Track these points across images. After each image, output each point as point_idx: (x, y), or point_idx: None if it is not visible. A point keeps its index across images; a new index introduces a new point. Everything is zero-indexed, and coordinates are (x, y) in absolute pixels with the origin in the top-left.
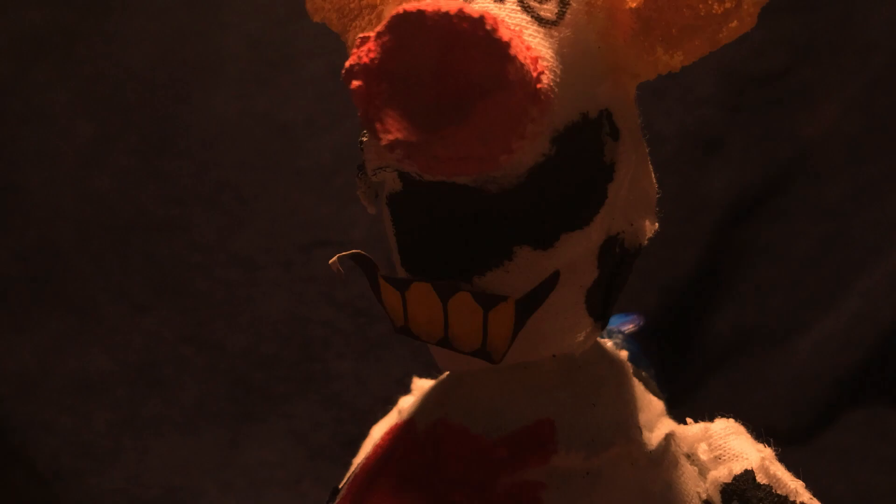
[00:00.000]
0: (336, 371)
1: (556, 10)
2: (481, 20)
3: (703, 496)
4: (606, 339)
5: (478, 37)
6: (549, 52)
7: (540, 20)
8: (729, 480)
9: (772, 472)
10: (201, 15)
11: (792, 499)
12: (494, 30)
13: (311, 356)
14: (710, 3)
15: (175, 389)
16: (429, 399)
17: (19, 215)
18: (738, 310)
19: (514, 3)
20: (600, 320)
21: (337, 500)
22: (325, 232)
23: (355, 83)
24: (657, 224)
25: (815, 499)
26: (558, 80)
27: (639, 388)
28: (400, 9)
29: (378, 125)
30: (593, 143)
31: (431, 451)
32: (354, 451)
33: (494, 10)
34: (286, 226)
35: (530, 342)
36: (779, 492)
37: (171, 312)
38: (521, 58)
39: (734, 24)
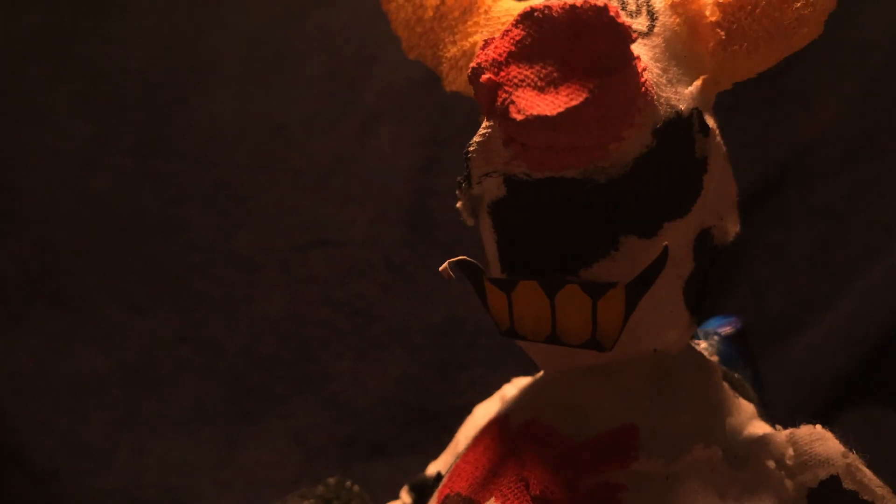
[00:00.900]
0: (334, 371)
1: (647, 23)
2: (605, 8)
3: (790, 502)
4: (702, 341)
5: (603, 23)
6: (645, 57)
7: (634, 32)
8: (815, 486)
9: (858, 477)
10: (199, 15)
11: None
12: (617, 16)
13: (309, 356)
14: (784, 12)
15: (173, 389)
16: (524, 398)
17: (16, 215)
18: (735, 310)
19: None
20: (696, 315)
21: (439, 487)
22: (324, 232)
23: (483, 77)
24: (739, 226)
25: None
26: (655, 81)
27: (727, 392)
28: (526, 7)
29: (511, 107)
30: (688, 138)
31: (522, 448)
32: (352, 451)
33: None
34: (284, 226)
35: (634, 334)
36: (865, 498)
37: (169, 312)
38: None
39: (805, 30)
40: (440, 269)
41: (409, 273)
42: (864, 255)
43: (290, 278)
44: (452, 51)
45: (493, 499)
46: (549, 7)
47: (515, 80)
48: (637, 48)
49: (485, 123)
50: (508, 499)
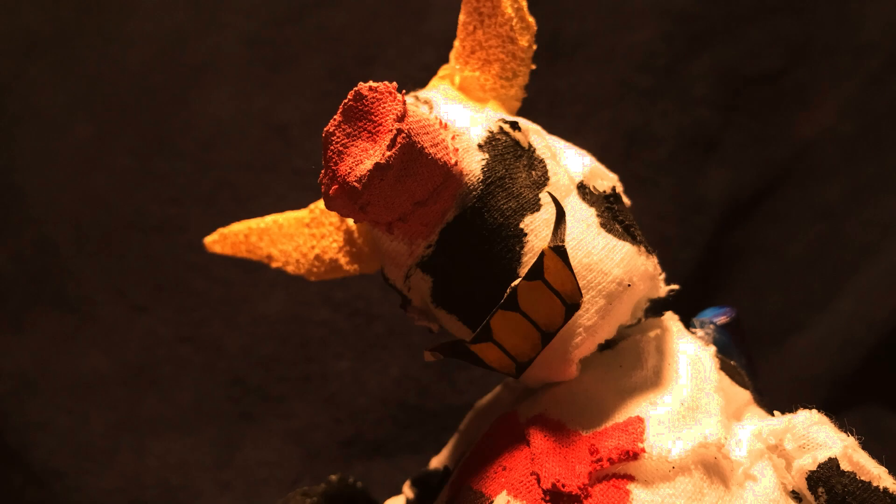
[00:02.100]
0: (334, 371)
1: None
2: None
3: (790, 486)
4: (698, 330)
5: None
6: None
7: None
8: (814, 468)
9: (855, 459)
10: (199, 15)
11: (875, 484)
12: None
13: (308, 356)
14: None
15: (173, 389)
16: (530, 393)
17: (17, 215)
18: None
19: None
20: (638, 244)
21: (449, 481)
22: None
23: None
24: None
25: None
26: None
27: (724, 381)
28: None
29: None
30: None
31: (531, 443)
32: (352, 450)
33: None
34: None
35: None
36: (862, 478)
37: (169, 312)
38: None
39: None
40: (425, 358)
41: None
42: (864, 255)
43: (290, 278)
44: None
45: (504, 492)
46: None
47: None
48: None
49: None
50: (520, 493)
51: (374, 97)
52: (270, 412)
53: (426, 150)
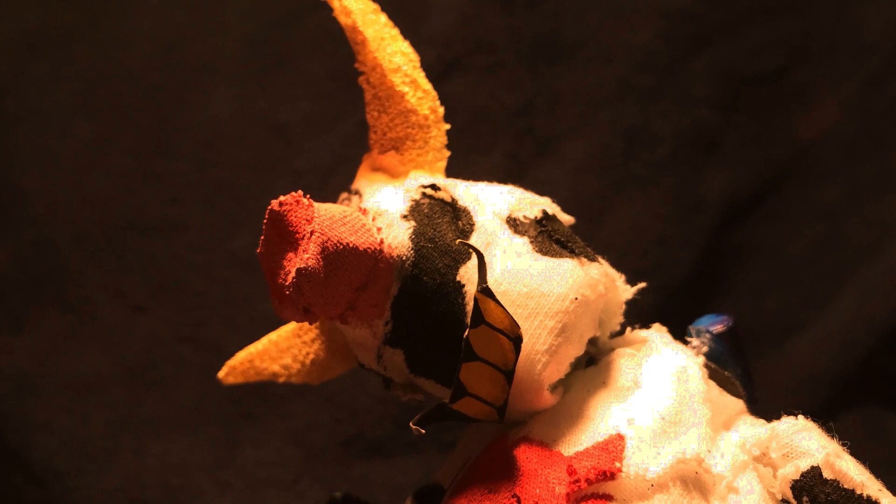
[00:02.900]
0: None
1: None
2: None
3: (779, 496)
4: (693, 339)
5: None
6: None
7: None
8: (797, 478)
9: (837, 466)
10: (199, 15)
11: (858, 492)
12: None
13: None
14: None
15: (173, 389)
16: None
17: (17, 215)
18: (734, 310)
19: None
20: (577, 255)
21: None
22: None
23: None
24: None
25: (885, 490)
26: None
27: (713, 391)
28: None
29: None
30: None
31: (515, 465)
32: (352, 450)
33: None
34: None
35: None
36: (845, 486)
37: (169, 312)
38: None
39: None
40: (412, 428)
41: None
42: (864, 256)
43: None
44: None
45: None
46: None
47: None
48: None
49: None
50: None
51: (286, 209)
52: (270, 412)
53: (344, 241)
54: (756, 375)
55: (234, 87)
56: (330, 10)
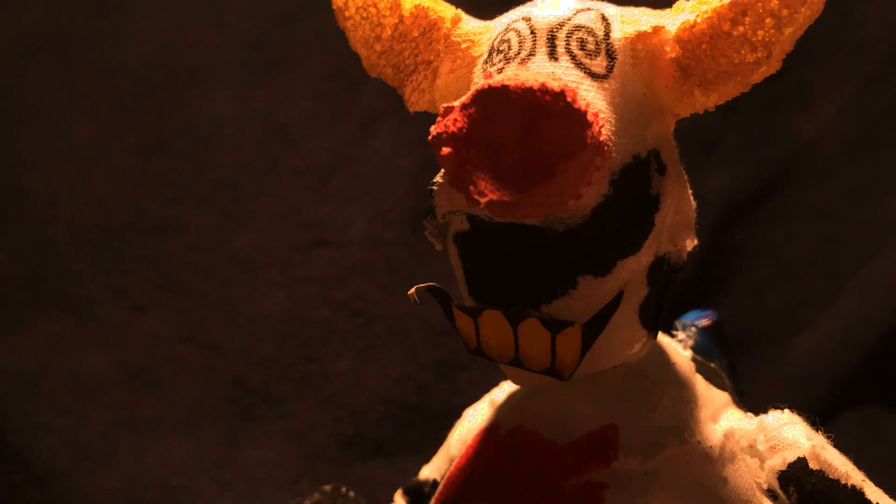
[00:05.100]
0: (334, 371)
1: (605, 65)
2: (562, 93)
3: (765, 486)
4: (679, 332)
5: (559, 108)
6: (603, 103)
7: (592, 75)
8: (784, 468)
9: (822, 457)
10: (199, 15)
11: (843, 482)
12: (574, 101)
13: (308, 356)
14: (743, 52)
15: (173, 390)
16: (511, 405)
17: (16, 215)
18: (734, 310)
19: (567, 60)
20: (653, 331)
21: (435, 495)
22: (323, 232)
23: (445, 150)
24: (696, 240)
25: (867, 480)
26: (614, 128)
27: (701, 384)
28: (484, 84)
29: (472, 188)
30: (643, 180)
31: (509, 455)
32: (352, 450)
33: (550, 67)
34: (284, 226)
35: (594, 357)
36: (830, 476)
37: (169, 312)
38: (593, 121)
39: (763, 69)
40: (409, 293)
41: (409, 273)
42: (864, 255)
43: (290, 278)
44: (414, 76)
45: None
46: (506, 87)
47: (474, 162)
48: (594, 95)
49: None
50: None
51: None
52: (270, 412)
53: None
54: (756, 375)
55: (234, 87)
56: (330, 10)
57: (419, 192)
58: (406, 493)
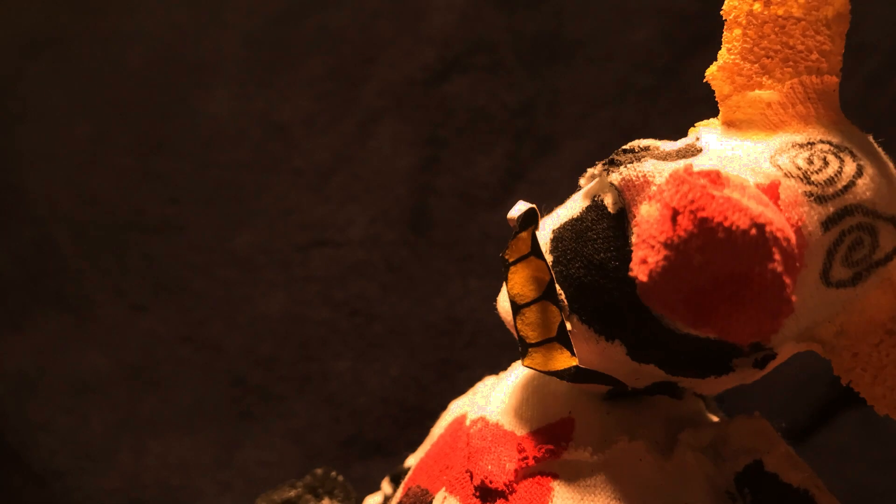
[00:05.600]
0: (334, 371)
1: (851, 274)
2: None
3: (724, 487)
4: None
5: (765, 274)
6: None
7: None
8: (740, 470)
9: (778, 462)
10: (199, 15)
11: (795, 486)
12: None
13: (308, 356)
14: None
15: (173, 389)
16: (480, 397)
17: (16, 215)
18: None
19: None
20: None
21: (405, 480)
22: (323, 232)
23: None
24: None
25: (822, 486)
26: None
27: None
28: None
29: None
30: None
31: (471, 443)
32: (352, 450)
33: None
34: (284, 225)
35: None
36: (784, 480)
37: (169, 312)
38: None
39: None
40: (509, 218)
41: (409, 273)
42: None
43: (290, 278)
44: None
45: (443, 489)
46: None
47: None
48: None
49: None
50: (455, 489)
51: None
52: (270, 412)
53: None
54: None
55: (233, 86)
56: (330, 9)
57: (419, 191)
58: (392, 479)
